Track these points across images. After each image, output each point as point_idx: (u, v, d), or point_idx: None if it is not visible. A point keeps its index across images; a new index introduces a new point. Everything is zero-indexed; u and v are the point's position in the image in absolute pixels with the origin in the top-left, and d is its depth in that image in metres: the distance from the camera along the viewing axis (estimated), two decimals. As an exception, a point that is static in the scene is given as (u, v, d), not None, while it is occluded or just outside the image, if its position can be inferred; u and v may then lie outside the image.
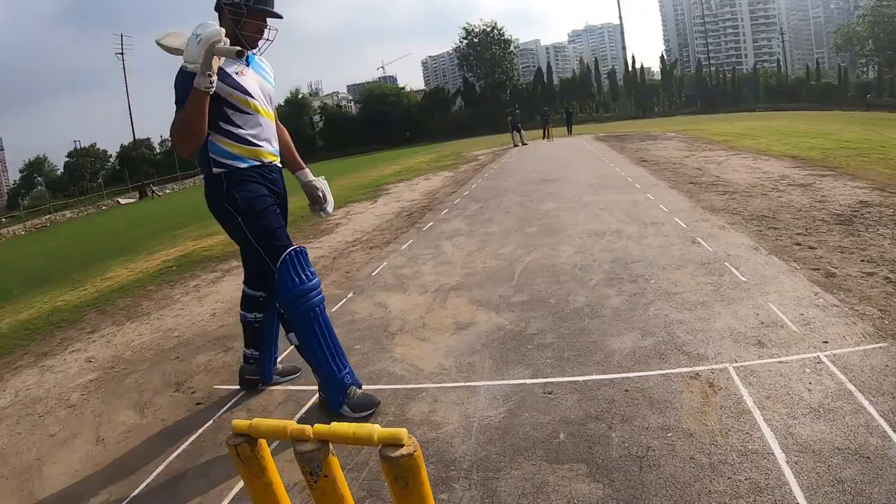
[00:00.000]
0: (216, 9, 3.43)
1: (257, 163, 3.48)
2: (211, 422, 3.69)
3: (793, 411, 2.95)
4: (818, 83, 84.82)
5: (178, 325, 5.91)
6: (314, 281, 3.44)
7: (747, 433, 2.81)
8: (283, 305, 3.41)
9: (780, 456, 2.60)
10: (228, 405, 3.87)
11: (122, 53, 67.67)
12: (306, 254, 3.50)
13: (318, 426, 1.66)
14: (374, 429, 1.58)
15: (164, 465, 3.29)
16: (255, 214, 3.43)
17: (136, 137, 74.83)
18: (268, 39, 3.53)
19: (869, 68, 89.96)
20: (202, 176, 3.62)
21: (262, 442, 1.79)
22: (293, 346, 3.69)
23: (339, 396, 3.43)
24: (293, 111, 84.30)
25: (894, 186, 8.88)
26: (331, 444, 1.66)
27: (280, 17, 3.49)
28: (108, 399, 4.35)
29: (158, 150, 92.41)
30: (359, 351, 4.48)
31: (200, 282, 7.89)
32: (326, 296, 5.92)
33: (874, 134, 20.67)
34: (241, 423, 1.78)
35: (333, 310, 5.52)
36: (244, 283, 3.90)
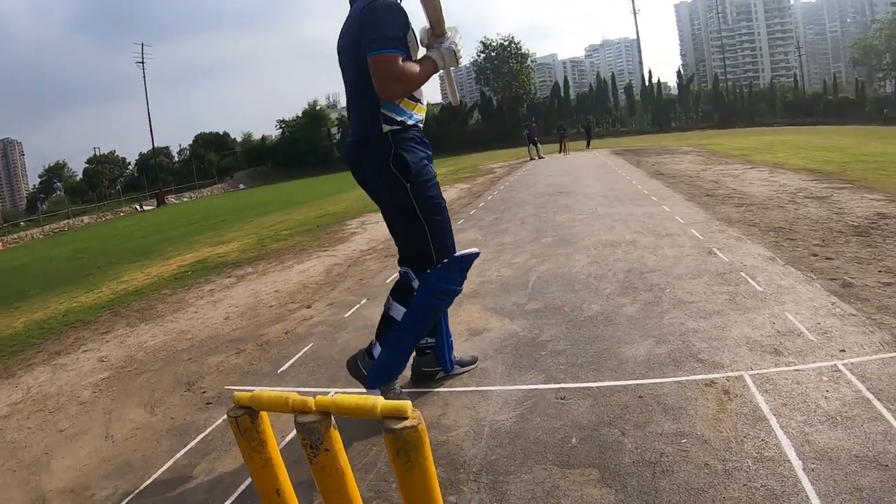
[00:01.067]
0: None
1: (421, 120, 3.36)
2: (220, 420, 3.68)
3: (809, 419, 2.90)
4: (835, 97, 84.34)
5: (192, 328, 5.93)
6: (459, 288, 3.37)
7: (763, 440, 2.76)
8: (428, 286, 3.25)
9: (796, 463, 2.56)
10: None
11: (142, 62, 68.72)
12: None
13: (320, 397, 1.66)
14: (378, 400, 1.59)
15: (171, 461, 3.30)
16: (423, 184, 3.28)
17: (155, 145, 75.65)
18: None
19: (886, 82, 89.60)
20: (353, 140, 3.39)
21: (264, 415, 1.79)
22: (393, 317, 3.47)
23: (382, 380, 3.39)
24: (311, 123, 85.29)
25: (914, 200, 8.80)
26: (333, 419, 1.65)
27: None
28: (119, 397, 4.38)
29: (177, 159, 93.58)
30: (371, 355, 4.45)
31: (215, 286, 7.94)
32: (339, 302, 5.98)
33: (893, 147, 20.56)
34: (242, 394, 1.78)
35: (347, 315, 5.54)
36: (400, 264, 3.64)
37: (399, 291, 3.45)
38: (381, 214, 3.60)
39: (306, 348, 4.78)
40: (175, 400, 4.16)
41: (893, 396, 3.04)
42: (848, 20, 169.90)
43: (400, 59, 3.01)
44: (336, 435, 1.67)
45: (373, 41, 2.99)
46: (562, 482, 2.63)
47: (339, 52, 3.40)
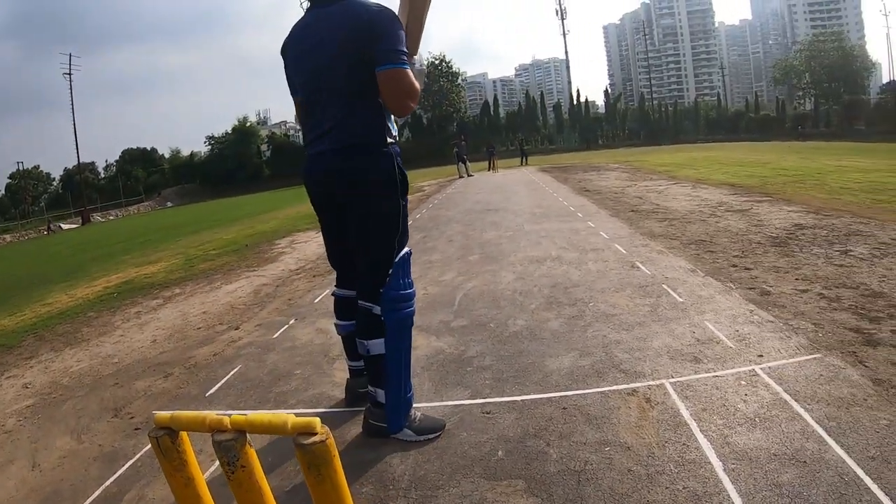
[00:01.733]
0: None
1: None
2: (149, 446, 3.58)
3: (729, 422, 3.01)
4: (757, 115, 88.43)
5: (118, 352, 5.77)
6: (413, 289, 3.29)
7: (684, 444, 2.85)
8: (388, 305, 3.16)
9: (717, 464, 2.65)
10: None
11: (69, 73, 66.80)
12: None
13: (235, 416, 1.68)
14: (289, 418, 1.63)
15: (100, 489, 3.18)
16: (405, 199, 3.25)
17: (81, 161, 73.41)
18: None
19: (806, 100, 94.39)
20: (343, 146, 3.13)
21: (184, 435, 1.80)
22: (364, 358, 3.36)
23: (401, 419, 3.26)
24: (240, 140, 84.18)
25: (829, 209, 9.24)
26: (248, 435, 1.69)
27: None
28: (45, 425, 4.20)
29: (103, 175, 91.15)
30: (299, 376, 4.42)
31: (142, 308, 7.73)
32: (268, 323, 5.92)
33: (810, 162, 21.56)
34: (162, 415, 1.79)
35: (275, 336, 5.47)
36: (336, 285, 3.63)
37: (366, 327, 3.28)
38: (314, 233, 3.55)
39: (234, 370, 4.69)
40: (102, 426, 4.02)
41: (810, 397, 3.18)
42: (770, 42, 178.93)
43: (411, 75, 3.02)
44: (252, 452, 1.70)
45: (388, 53, 2.94)
46: (489, 494, 2.65)
47: (301, 56, 3.25)
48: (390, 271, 3.17)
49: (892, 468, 2.49)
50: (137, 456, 3.50)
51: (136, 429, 3.90)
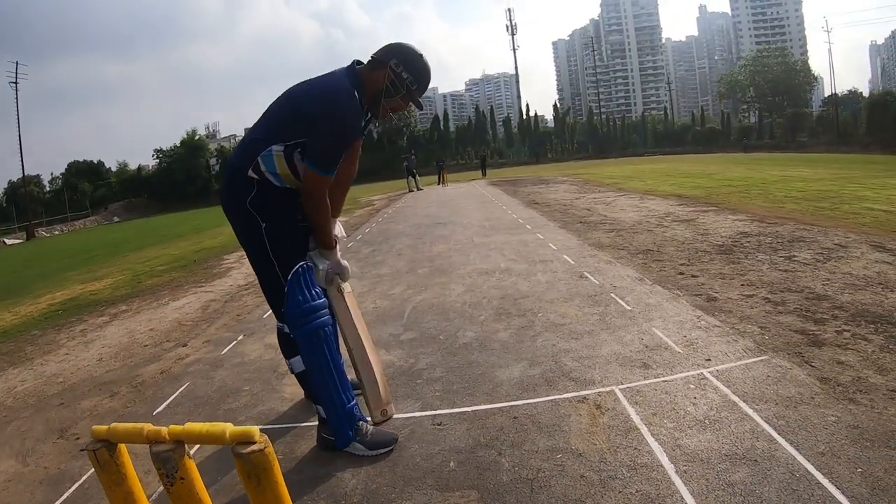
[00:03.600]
0: (373, 58, 3.33)
1: (291, 189, 3.30)
2: (93, 469, 3.48)
3: (679, 425, 3.05)
4: (703, 128, 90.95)
5: (63, 371, 5.59)
6: (322, 300, 3.21)
7: (635, 448, 2.88)
8: (290, 322, 3.13)
9: (669, 467, 2.68)
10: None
11: (15, 82, 64.95)
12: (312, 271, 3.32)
13: (173, 427, 1.64)
14: (227, 427, 1.61)
15: (48, 513, 3.10)
16: (280, 224, 3.27)
17: (26, 174, 71.16)
18: (391, 120, 3.54)
19: (750, 113, 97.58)
20: (227, 174, 3.39)
21: (122, 447, 1.76)
22: (294, 376, 3.46)
23: (348, 431, 3.20)
24: (189, 153, 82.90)
25: (772, 218, 9.50)
26: (187, 447, 1.66)
27: (420, 108, 3.58)
28: None
29: (48, 188, 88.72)
30: (248, 392, 4.35)
31: (88, 326, 7.51)
32: (216, 339, 5.81)
33: (755, 172, 22.18)
34: (99, 428, 1.75)
35: (223, 352, 5.37)
36: (279, 320, 3.50)
37: (284, 346, 3.39)
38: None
39: (182, 388, 4.58)
40: (48, 448, 3.88)
41: (759, 397, 3.25)
42: (715, 57, 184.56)
43: (328, 185, 3.17)
44: (191, 464, 1.67)
45: (321, 156, 3.08)
46: (442, 505, 2.64)
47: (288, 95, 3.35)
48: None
49: (842, 462, 2.55)
50: (84, 478, 3.39)
51: (81, 450, 3.75)
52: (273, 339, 5.53)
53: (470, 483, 2.78)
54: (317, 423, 3.38)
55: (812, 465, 2.57)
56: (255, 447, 1.57)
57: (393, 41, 3.33)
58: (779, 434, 2.84)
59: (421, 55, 3.30)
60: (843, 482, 2.43)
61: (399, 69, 3.24)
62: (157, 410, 4.22)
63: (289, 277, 3.12)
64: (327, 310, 3.20)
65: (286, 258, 3.24)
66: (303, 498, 2.83)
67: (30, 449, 3.92)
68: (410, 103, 3.41)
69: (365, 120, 3.36)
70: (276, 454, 3.19)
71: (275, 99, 3.35)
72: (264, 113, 3.32)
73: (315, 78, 3.30)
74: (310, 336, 3.11)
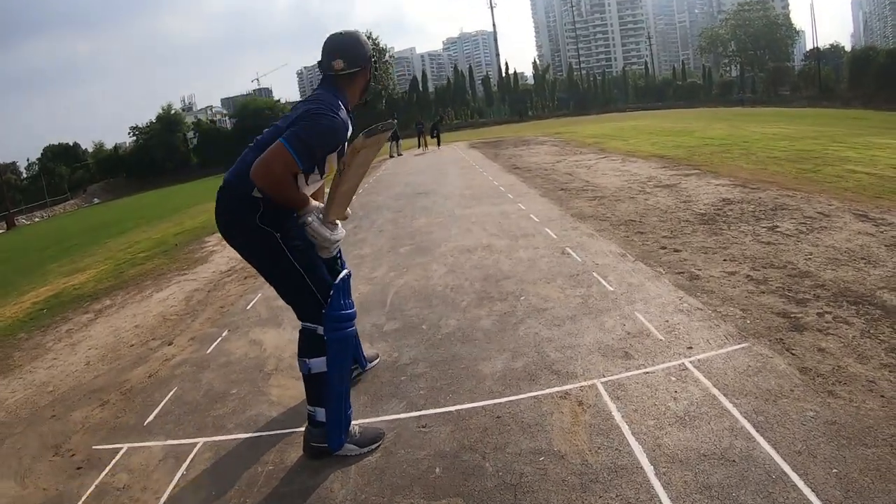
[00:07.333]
0: (347, 71, 3.35)
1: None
2: (93, 487, 3.46)
3: (660, 422, 3.10)
4: (684, 83, 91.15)
5: (52, 378, 5.52)
6: (354, 310, 3.38)
7: (616, 449, 2.92)
8: (329, 325, 3.25)
9: (648, 469, 2.73)
10: (109, 467, 3.64)
11: None
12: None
13: None
14: None
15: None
16: (294, 232, 3.28)
17: (1, 162, 70.14)
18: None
19: (732, 67, 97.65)
20: (226, 196, 3.29)
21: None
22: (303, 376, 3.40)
23: (341, 435, 3.29)
24: (165, 128, 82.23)
25: (755, 181, 9.55)
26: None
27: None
28: None
29: (25, 175, 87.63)
30: (235, 395, 4.35)
31: (73, 325, 7.41)
32: (200, 336, 5.79)
33: (736, 130, 22.24)
34: None
35: (209, 351, 5.37)
36: (304, 320, 3.47)
37: (309, 346, 3.34)
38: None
39: (171, 394, 4.55)
40: (44, 467, 3.85)
41: (739, 390, 3.31)
42: (696, 11, 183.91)
43: (293, 170, 3.08)
44: None
45: (295, 137, 3.02)
46: (429, 513, 2.68)
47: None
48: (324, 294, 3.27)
49: (817, 462, 2.61)
50: (82, 499, 3.39)
51: (77, 468, 3.75)
52: (256, 335, 5.57)
53: (455, 490, 2.83)
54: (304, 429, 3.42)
55: (788, 465, 2.62)
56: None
57: (337, 39, 3.36)
58: (757, 431, 2.90)
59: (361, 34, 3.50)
60: (818, 484, 2.48)
61: (373, 62, 3.45)
62: (148, 420, 4.21)
63: (336, 282, 3.30)
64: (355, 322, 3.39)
65: (308, 261, 3.29)
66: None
67: (27, 468, 3.89)
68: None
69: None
70: (266, 464, 3.26)
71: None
72: (258, 137, 3.32)
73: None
74: (341, 341, 3.28)
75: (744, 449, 2.77)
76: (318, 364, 3.27)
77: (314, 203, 3.32)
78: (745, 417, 3.02)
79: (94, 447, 3.95)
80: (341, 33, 3.40)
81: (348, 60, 3.29)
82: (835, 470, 2.55)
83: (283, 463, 3.35)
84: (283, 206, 3.17)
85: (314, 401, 3.33)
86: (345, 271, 3.42)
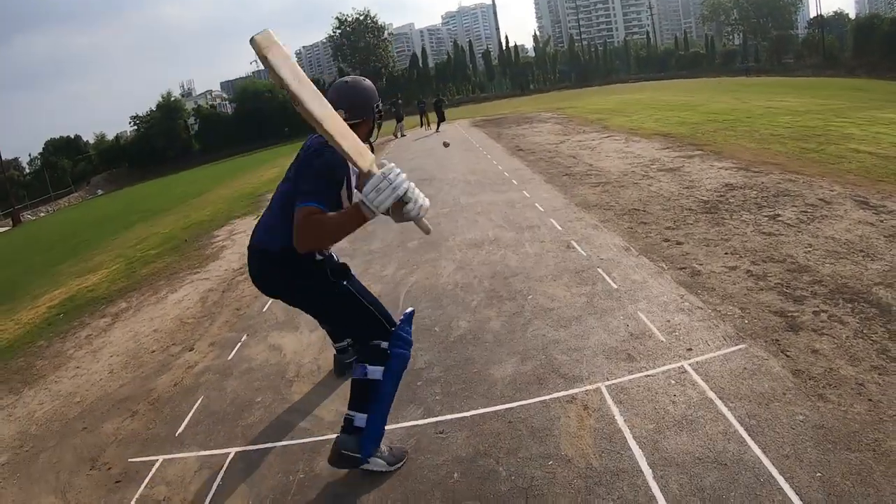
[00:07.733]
0: (363, 114, 3.41)
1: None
2: (134, 501, 3.65)
3: (659, 426, 3.33)
4: (686, 52, 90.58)
5: (78, 389, 5.60)
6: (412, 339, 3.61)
7: (618, 453, 3.16)
8: (396, 342, 3.46)
9: (647, 472, 2.97)
10: (147, 479, 3.82)
11: None
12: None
13: None
14: None
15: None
16: (337, 263, 3.66)
17: (4, 158, 69.93)
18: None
19: (734, 36, 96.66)
20: (263, 249, 3.43)
21: None
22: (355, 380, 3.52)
23: (374, 447, 3.44)
24: (166, 116, 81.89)
25: (758, 164, 9.69)
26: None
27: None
28: (25, 485, 4.14)
29: (28, 170, 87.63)
30: (260, 404, 4.52)
31: (91, 331, 7.48)
32: (220, 341, 5.97)
33: (740, 103, 22.21)
34: None
35: (230, 357, 5.53)
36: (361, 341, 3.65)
37: (371, 355, 3.48)
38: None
39: (198, 403, 4.73)
40: (82, 481, 4.01)
41: (734, 394, 3.53)
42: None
43: (321, 216, 2.99)
44: None
45: (304, 190, 3.07)
46: (450, 518, 2.92)
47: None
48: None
49: (803, 466, 2.84)
50: None
51: (116, 482, 3.91)
52: (274, 339, 5.74)
53: (472, 494, 3.07)
54: (335, 435, 3.53)
55: (776, 468, 2.85)
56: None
57: (343, 89, 3.38)
58: (749, 435, 3.12)
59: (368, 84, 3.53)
60: (803, 487, 2.71)
61: (377, 111, 3.47)
62: (179, 431, 4.38)
63: (407, 311, 3.60)
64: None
65: (358, 287, 3.56)
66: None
67: (66, 484, 4.03)
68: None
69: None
70: (297, 472, 3.46)
71: None
72: (271, 201, 3.50)
73: None
74: (402, 359, 3.47)
75: (736, 452, 3.00)
76: (376, 372, 3.42)
77: (357, 201, 3.07)
78: (739, 421, 3.24)
79: (129, 460, 4.12)
80: (347, 82, 3.46)
81: (351, 112, 3.31)
82: (819, 474, 2.77)
83: (313, 471, 3.55)
84: (349, 234, 3.13)
85: (357, 406, 3.44)
86: (409, 309, 3.66)
